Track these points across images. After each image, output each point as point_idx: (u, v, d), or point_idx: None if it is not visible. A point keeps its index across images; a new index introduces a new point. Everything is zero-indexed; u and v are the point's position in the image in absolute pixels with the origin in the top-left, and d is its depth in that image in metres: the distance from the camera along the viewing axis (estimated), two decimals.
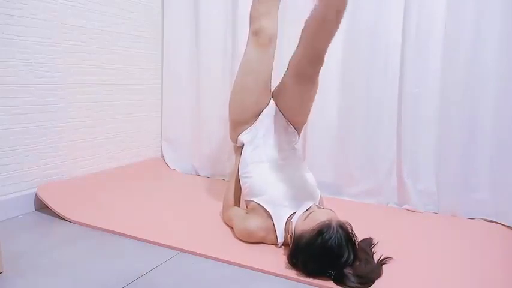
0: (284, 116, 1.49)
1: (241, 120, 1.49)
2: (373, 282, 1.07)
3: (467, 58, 1.64)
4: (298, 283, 1.10)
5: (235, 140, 1.56)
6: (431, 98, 1.71)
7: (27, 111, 1.58)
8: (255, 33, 1.43)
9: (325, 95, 1.89)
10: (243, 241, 1.33)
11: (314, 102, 1.89)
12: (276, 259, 1.21)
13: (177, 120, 2.29)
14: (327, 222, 1.09)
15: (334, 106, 1.90)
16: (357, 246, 1.11)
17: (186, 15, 2.17)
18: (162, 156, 2.36)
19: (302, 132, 1.67)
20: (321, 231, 1.07)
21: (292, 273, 1.13)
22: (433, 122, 1.72)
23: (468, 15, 1.61)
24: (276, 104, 1.49)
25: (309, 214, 1.18)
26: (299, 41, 1.34)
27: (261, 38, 1.43)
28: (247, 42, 1.47)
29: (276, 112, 1.49)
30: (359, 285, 1.04)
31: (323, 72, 1.86)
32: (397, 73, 1.75)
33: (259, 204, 1.32)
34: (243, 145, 1.50)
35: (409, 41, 1.71)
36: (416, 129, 1.75)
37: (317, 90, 1.48)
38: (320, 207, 1.27)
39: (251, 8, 1.45)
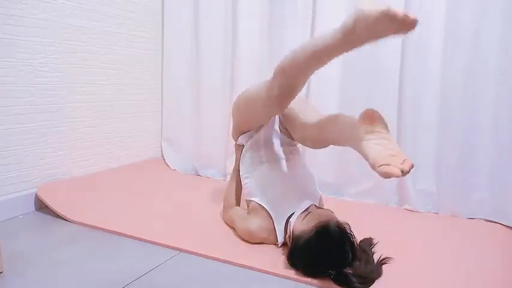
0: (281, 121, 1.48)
1: (247, 126, 1.49)
2: (373, 282, 1.07)
3: (467, 58, 1.64)
4: (298, 283, 1.10)
5: (236, 139, 1.56)
6: (431, 99, 1.71)
7: (27, 111, 1.58)
8: (276, 95, 1.18)
9: (325, 95, 1.90)
10: (246, 241, 1.33)
11: (314, 101, 1.90)
12: (276, 259, 1.21)
13: (177, 120, 2.29)
14: (325, 222, 1.09)
15: (334, 105, 1.89)
16: (356, 246, 1.11)
17: (186, 15, 2.17)
18: (162, 156, 2.36)
19: None
20: (319, 231, 1.07)
21: (292, 273, 1.13)
22: (433, 122, 1.72)
23: (468, 15, 1.62)
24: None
25: (307, 214, 1.18)
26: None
27: (279, 103, 1.23)
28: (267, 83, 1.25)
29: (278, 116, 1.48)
30: (359, 285, 1.04)
31: (323, 73, 1.88)
32: (397, 73, 1.75)
33: (259, 204, 1.32)
34: (244, 144, 1.51)
35: (409, 41, 1.71)
36: (416, 129, 1.75)
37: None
38: (319, 208, 1.27)
39: (284, 64, 1.13)
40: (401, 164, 0.88)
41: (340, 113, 1.15)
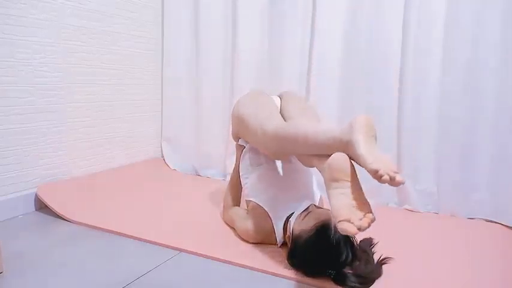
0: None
1: (246, 140, 1.49)
2: (373, 282, 1.07)
3: (467, 58, 1.64)
4: (298, 283, 1.10)
5: (236, 139, 1.56)
6: (431, 99, 1.71)
7: (27, 111, 1.58)
8: (273, 152, 1.27)
9: (325, 94, 1.90)
10: (245, 241, 1.33)
11: (314, 101, 1.90)
12: (276, 259, 1.21)
13: (177, 120, 2.29)
14: (324, 222, 1.09)
15: (333, 105, 1.90)
16: (356, 245, 1.11)
17: (186, 15, 2.17)
18: (162, 156, 2.36)
19: None
20: (319, 231, 1.07)
21: (292, 273, 1.13)
22: (433, 122, 1.72)
23: (468, 15, 1.62)
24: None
25: (307, 214, 1.18)
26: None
27: (275, 158, 1.35)
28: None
29: None
30: (359, 285, 1.04)
31: (323, 71, 1.89)
32: (397, 73, 1.75)
33: (258, 205, 1.32)
34: (244, 145, 1.50)
35: (409, 40, 1.71)
36: (416, 129, 1.75)
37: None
38: (318, 207, 1.27)
39: (280, 136, 1.18)
40: (360, 219, 0.89)
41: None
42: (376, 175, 0.86)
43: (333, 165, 0.96)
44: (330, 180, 0.96)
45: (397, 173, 0.86)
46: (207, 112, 2.19)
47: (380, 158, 0.89)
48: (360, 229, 0.87)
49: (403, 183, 0.86)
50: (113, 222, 1.47)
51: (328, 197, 0.96)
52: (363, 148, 0.91)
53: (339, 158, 0.97)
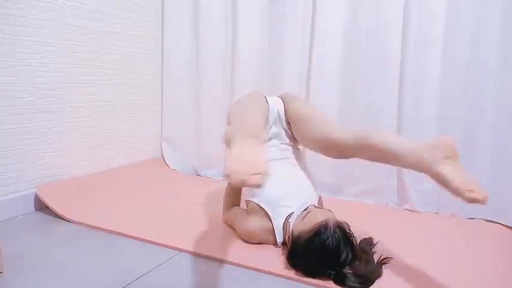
0: (287, 122, 1.45)
1: None
2: (373, 282, 1.07)
3: (467, 58, 1.64)
4: (298, 283, 1.10)
5: None
6: (431, 98, 1.71)
7: (27, 111, 1.58)
8: None
9: (325, 94, 1.90)
10: (245, 241, 1.33)
11: (314, 101, 1.90)
12: (276, 259, 1.21)
13: (177, 120, 2.29)
14: (324, 222, 1.09)
15: (333, 105, 1.90)
16: (356, 245, 1.11)
17: (186, 15, 2.17)
18: (162, 156, 2.36)
19: None
20: (318, 231, 1.07)
21: (292, 273, 1.13)
22: (433, 122, 1.72)
23: (468, 15, 1.62)
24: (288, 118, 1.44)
25: (306, 214, 1.18)
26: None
27: None
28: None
29: (278, 116, 1.45)
30: (359, 285, 1.04)
31: (323, 71, 1.89)
32: (397, 73, 1.75)
33: (258, 205, 1.32)
34: None
35: (409, 40, 1.71)
36: (416, 129, 1.75)
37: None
38: (317, 207, 1.27)
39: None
40: (479, 190, 0.94)
41: (386, 132, 1.20)
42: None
43: (444, 145, 1.01)
44: (444, 158, 1.01)
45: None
46: (207, 112, 2.19)
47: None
48: (485, 197, 0.92)
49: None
50: (113, 222, 1.47)
51: (443, 173, 1.00)
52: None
53: (448, 139, 1.03)
